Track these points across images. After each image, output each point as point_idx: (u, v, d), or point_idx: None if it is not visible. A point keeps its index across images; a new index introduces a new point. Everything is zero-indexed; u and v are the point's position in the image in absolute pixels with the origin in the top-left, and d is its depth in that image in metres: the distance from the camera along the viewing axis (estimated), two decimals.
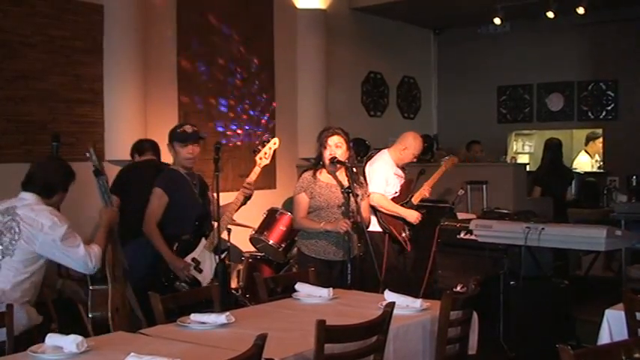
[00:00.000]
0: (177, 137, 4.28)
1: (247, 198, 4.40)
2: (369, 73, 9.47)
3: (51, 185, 3.53)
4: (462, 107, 10.24)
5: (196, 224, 4.26)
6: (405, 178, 5.39)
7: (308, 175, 4.44)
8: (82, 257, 3.43)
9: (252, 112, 7.58)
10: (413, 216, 5.23)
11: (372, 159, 5.37)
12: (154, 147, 5.35)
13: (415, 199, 5.35)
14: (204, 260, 4.29)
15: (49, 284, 3.56)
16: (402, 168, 5.41)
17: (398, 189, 5.29)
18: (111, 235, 3.72)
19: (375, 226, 5.10)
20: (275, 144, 4.55)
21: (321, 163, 4.45)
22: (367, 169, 5.26)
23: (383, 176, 5.19)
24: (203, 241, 4.30)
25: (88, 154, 3.76)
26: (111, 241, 3.73)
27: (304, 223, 4.41)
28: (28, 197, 3.46)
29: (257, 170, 4.41)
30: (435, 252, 5.72)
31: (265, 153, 4.47)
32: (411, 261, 5.39)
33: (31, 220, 3.37)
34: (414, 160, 5.45)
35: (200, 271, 4.26)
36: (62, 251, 3.40)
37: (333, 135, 4.39)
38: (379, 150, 5.51)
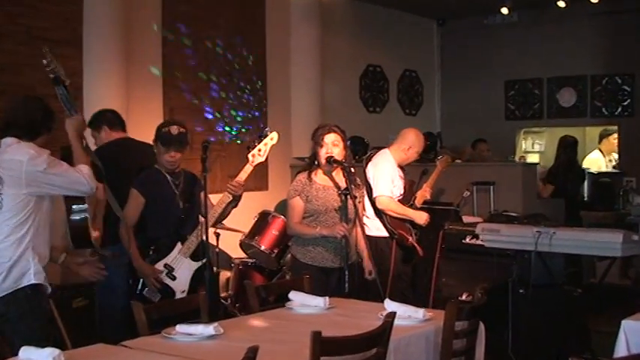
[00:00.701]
0: (160, 138, 4.26)
1: (236, 199, 4.33)
2: (368, 66, 9.46)
3: (34, 124, 3.37)
4: (468, 103, 10.25)
5: (173, 227, 4.24)
6: (406, 180, 5.39)
7: (302, 177, 4.42)
8: (76, 178, 3.33)
9: (241, 109, 7.58)
10: (422, 217, 5.24)
11: (374, 159, 5.34)
12: (121, 119, 5.04)
13: (418, 201, 5.35)
14: (179, 266, 4.24)
15: (53, 258, 3.47)
16: (402, 168, 5.41)
17: (402, 191, 5.29)
18: (87, 150, 3.61)
19: (380, 231, 5.10)
20: (272, 139, 4.40)
21: (316, 163, 4.43)
22: (370, 170, 5.23)
23: (389, 177, 5.18)
24: (179, 245, 4.25)
25: (45, 61, 3.52)
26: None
27: (299, 228, 4.40)
28: (10, 142, 3.31)
29: (248, 169, 4.32)
30: (438, 258, 5.71)
31: (260, 150, 4.36)
32: (415, 268, 5.39)
33: (8, 162, 3.25)
34: (418, 157, 5.46)
35: (173, 278, 4.22)
36: (52, 180, 3.28)
37: (329, 132, 4.38)
38: (378, 149, 5.48)
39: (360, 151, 7.62)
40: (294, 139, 7.86)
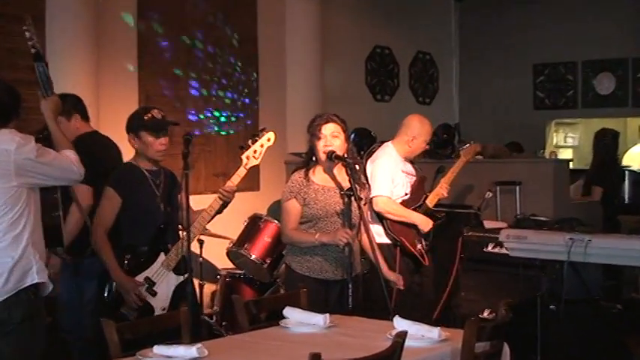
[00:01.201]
0: (146, 126, 4.24)
1: (224, 205, 4.34)
2: (375, 48, 9.47)
3: (5, 108, 3.39)
4: (490, 90, 10.26)
5: (155, 235, 4.24)
6: (416, 176, 5.36)
7: (299, 176, 4.40)
8: (67, 165, 3.41)
9: (230, 96, 7.59)
10: (426, 223, 5.21)
11: (374, 154, 5.34)
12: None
13: (431, 201, 5.33)
14: (161, 281, 4.22)
15: None
16: (412, 163, 5.39)
17: (408, 190, 5.26)
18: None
19: (382, 237, 5.08)
20: (270, 140, 4.42)
21: (313, 159, 4.42)
22: (369, 167, 5.23)
23: (388, 175, 5.16)
24: (162, 256, 4.24)
25: (27, 34, 3.54)
26: None
27: (295, 235, 4.39)
28: None
29: (242, 172, 4.32)
30: (456, 269, 5.71)
31: (255, 151, 4.36)
32: (428, 280, 5.37)
33: None
34: (427, 147, 5.42)
35: (154, 294, 4.20)
36: (44, 169, 3.34)
37: (327, 122, 4.35)
38: (383, 143, 5.47)
39: (366, 145, 7.60)
40: (290, 132, 7.86)
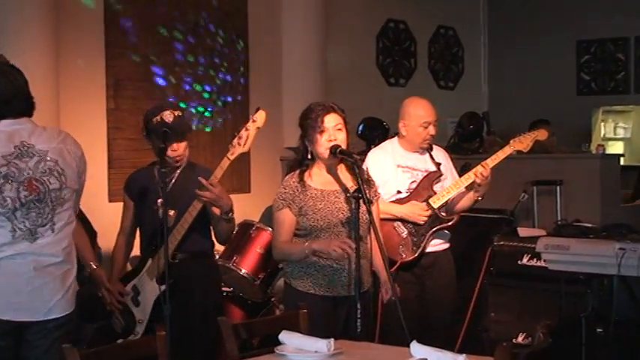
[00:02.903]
0: (154, 132, 4.42)
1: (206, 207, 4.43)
2: (388, 21, 9.48)
3: (29, 96, 3.77)
4: (525, 72, 10.25)
5: (148, 239, 4.55)
6: (428, 171, 5.28)
7: (292, 181, 4.36)
8: None
9: (210, 82, 7.61)
10: (414, 211, 5.08)
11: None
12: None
13: (437, 200, 5.14)
14: (144, 289, 4.39)
15: None
16: (431, 154, 5.31)
17: (406, 187, 5.20)
18: None
19: None
20: (256, 121, 4.32)
21: (309, 157, 4.40)
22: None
23: (377, 171, 5.07)
24: (149, 262, 4.44)
25: None
26: None
27: (284, 248, 4.37)
28: (31, 124, 3.74)
29: (225, 164, 4.33)
30: (480, 284, 5.72)
31: (240, 137, 4.32)
32: (447, 297, 5.33)
33: (70, 147, 3.78)
34: (430, 133, 5.28)
35: (137, 303, 4.39)
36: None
37: (329, 112, 4.34)
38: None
39: (377, 138, 7.61)
40: (287, 124, 7.84)
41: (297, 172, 4.37)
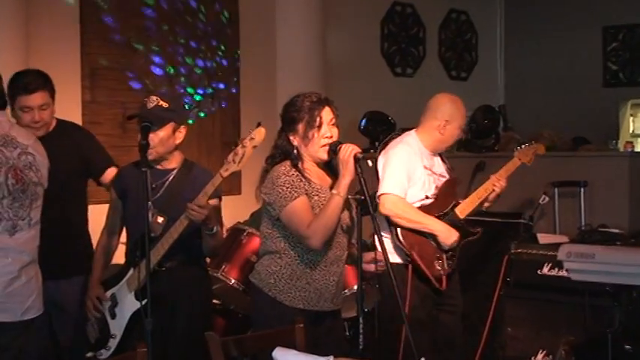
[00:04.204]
0: (138, 115, 4.50)
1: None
2: (394, 5, 9.50)
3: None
4: (546, 61, 10.25)
5: (132, 246, 4.56)
6: (449, 175, 5.34)
7: (292, 171, 4.33)
8: None
9: (201, 65, 7.63)
10: (449, 235, 5.16)
11: (389, 145, 5.33)
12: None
13: (463, 210, 5.28)
14: (122, 301, 4.44)
15: None
16: (443, 160, 5.37)
17: (432, 192, 5.24)
18: None
19: (393, 255, 5.07)
20: (254, 139, 4.24)
21: (295, 152, 4.35)
22: (381, 161, 5.21)
23: (403, 169, 5.12)
24: (130, 272, 4.47)
25: None
26: None
27: (319, 222, 4.17)
28: (2, 115, 4.00)
29: (217, 181, 4.30)
30: (497, 297, 5.71)
31: (236, 153, 4.26)
32: (452, 317, 5.33)
33: (44, 152, 4.08)
34: (461, 136, 5.39)
35: (113, 315, 4.45)
36: None
37: (325, 106, 4.33)
38: (404, 132, 5.46)
39: (381, 134, 7.62)
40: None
41: (288, 163, 4.30)
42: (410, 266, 5.11)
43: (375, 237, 4.24)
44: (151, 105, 4.51)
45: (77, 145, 5.16)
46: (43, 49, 6.57)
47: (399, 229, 5.09)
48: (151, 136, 4.42)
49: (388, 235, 5.07)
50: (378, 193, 5.00)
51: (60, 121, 5.17)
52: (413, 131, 5.36)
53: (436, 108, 5.31)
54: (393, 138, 5.40)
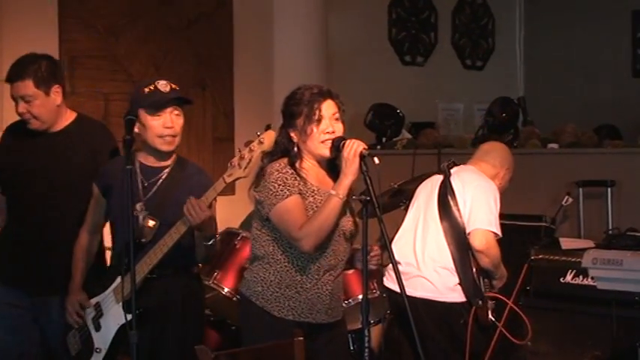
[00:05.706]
0: (144, 102, 4.45)
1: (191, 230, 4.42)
2: None
3: None
4: (569, 50, 10.27)
5: (120, 251, 4.48)
6: None
7: (287, 169, 4.34)
8: None
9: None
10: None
11: (466, 174, 5.30)
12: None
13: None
14: (108, 312, 4.45)
15: None
16: None
17: None
18: None
19: (453, 293, 5.08)
20: (262, 142, 4.23)
21: (295, 150, 4.37)
22: (457, 184, 5.22)
23: (497, 210, 5.15)
24: (117, 280, 4.41)
25: None
26: None
27: (313, 223, 4.19)
28: None
29: (219, 186, 4.31)
30: (517, 306, 5.75)
31: (243, 157, 4.24)
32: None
33: None
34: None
35: (98, 327, 4.46)
36: None
37: (326, 99, 4.35)
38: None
39: (390, 128, 7.64)
40: (279, 112, 7.84)
41: (285, 160, 4.32)
42: (473, 308, 5.09)
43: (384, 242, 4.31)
44: (166, 88, 4.50)
45: (92, 150, 4.93)
46: (17, 35, 6.61)
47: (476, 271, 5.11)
48: (170, 121, 4.47)
49: (448, 272, 5.10)
50: (474, 227, 5.03)
51: (80, 117, 5.06)
52: (472, 166, 5.38)
53: (497, 154, 5.42)
54: (454, 165, 5.36)
